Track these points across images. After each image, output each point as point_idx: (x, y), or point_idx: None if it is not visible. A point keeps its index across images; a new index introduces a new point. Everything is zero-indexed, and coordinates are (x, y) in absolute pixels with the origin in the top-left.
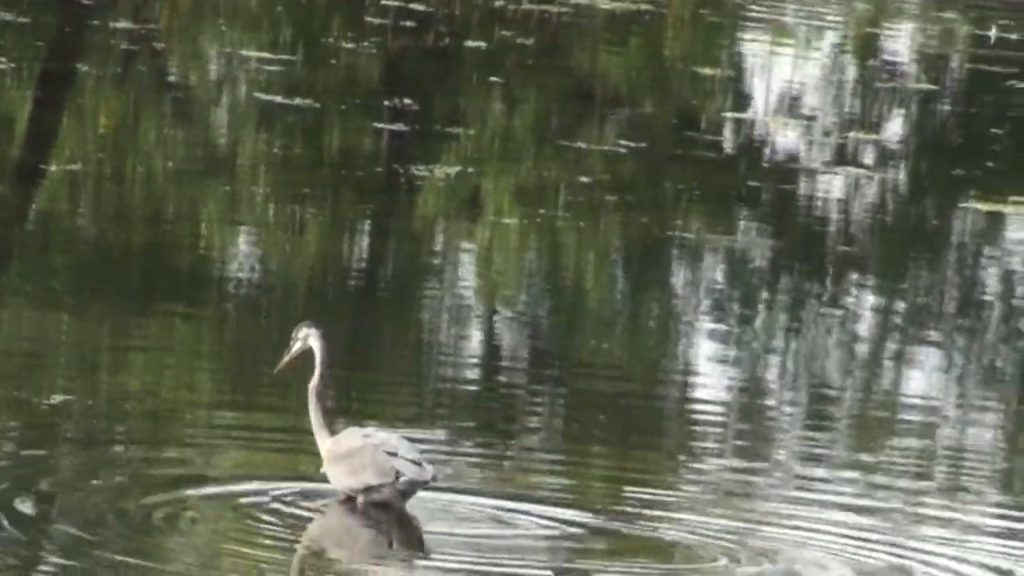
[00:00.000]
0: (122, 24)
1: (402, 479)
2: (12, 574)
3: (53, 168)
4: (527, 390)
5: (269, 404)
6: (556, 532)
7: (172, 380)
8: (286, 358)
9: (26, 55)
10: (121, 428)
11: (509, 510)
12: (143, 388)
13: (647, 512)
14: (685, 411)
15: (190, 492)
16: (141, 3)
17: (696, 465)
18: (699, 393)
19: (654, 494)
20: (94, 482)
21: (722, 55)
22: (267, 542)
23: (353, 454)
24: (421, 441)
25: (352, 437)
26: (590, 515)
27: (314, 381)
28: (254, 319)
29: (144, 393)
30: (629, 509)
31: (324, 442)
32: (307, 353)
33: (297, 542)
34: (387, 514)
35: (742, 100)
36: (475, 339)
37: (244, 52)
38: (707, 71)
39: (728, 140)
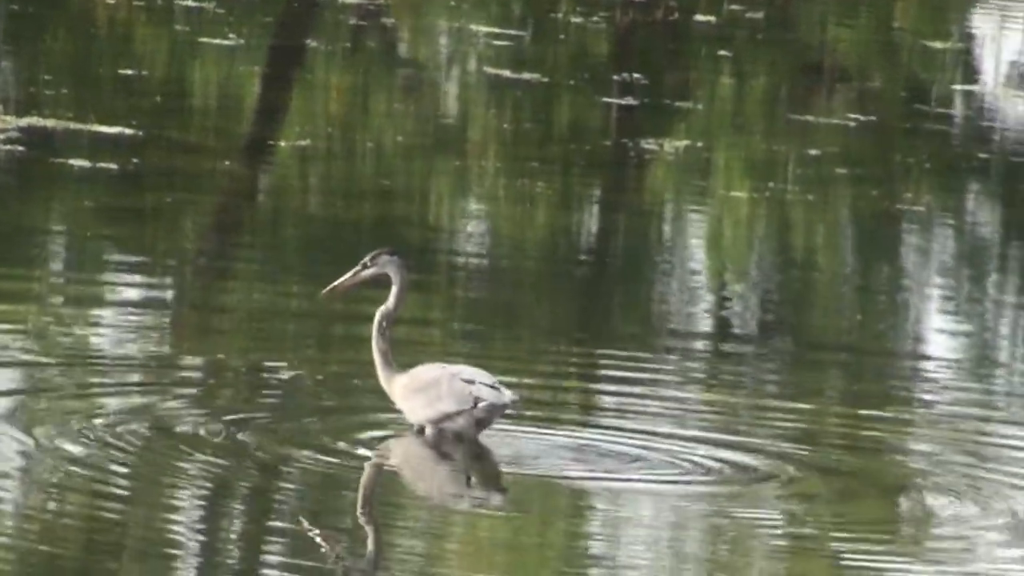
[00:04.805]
0: None
1: (480, 404)
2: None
3: (283, 144)
4: (757, 363)
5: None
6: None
7: (401, 350)
8: (347, 279)
9: (255, 31)
10: (345, 397)
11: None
12: (370, 360)
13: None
14: (915, 383)
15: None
16: None
17: (928, 428)
18: (929, 366)
19: (885, 447)
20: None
21: (951, 28)
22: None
23: (431, 385)
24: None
25: (429, 369)
26: (812, 466)
27: (385, 309)
28: (482, 292)
29: (371, 364)
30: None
31: (390, 378)
32: (381, 281)
33: (366, 475)
34: (464, 446)
35: (972, 73)
36: (706, 312)
37: (473, 27)
38: (937, 44)
39: (958, 113)
